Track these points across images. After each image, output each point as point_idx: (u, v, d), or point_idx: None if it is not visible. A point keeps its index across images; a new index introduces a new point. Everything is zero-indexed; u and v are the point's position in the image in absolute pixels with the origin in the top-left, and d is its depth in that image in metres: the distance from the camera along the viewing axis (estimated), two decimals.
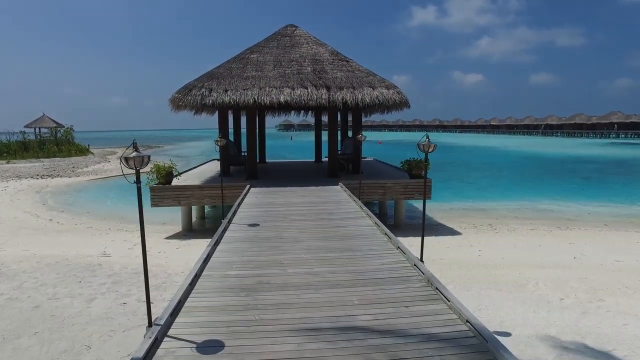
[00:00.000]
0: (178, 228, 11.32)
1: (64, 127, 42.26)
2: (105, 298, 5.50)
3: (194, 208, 12.25)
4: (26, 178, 22.13)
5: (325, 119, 16.14)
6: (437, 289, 3.92)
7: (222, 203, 9.96)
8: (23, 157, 33.51)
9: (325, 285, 4.14)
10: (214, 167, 14.69)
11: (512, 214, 14.05)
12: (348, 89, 11.12)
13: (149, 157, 3.01)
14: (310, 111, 17.96)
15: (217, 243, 5.54)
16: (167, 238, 10.38)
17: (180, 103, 11.24)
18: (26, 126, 42.31)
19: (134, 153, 2.94)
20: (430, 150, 4.46)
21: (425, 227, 11.65)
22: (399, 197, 11.27)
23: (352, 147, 13.53)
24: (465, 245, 9.59)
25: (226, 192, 10.36)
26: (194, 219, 12.39)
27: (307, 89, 10.97)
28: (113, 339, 4.35)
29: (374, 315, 3.47)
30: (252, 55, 12.33)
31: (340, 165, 13.28)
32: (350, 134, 15.51)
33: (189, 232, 11.13)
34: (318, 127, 18.32)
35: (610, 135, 73.98)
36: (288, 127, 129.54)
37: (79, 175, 23.60)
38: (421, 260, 4.85)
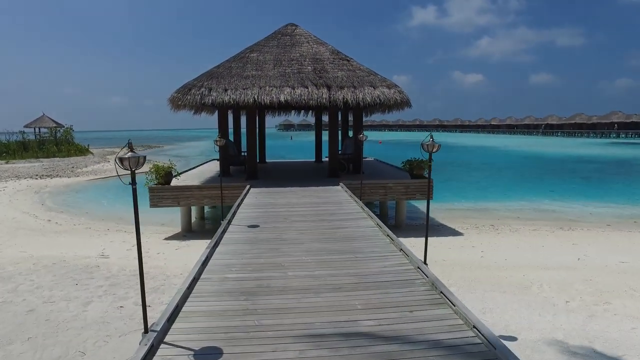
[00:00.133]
0: (177, 229, 11.22)
1: (63, 127, 42.16)
2: (102, 301, 5.40)
3: (193, 208, 12.15)
4: (25, 178, 22.03)
5: (325, 118, 16.05)
6: (442, 292, 3.81)
7: (222, 204, 9.86)
8: (22, 157, 33.39)
9: (327, 289, 4.03)
10: (214, 167, 14.58)
11: (514, 214, 13.95)
12: (349, 88, 11.01)
13: (144, 157, 2.90)
14: (310, 111, 17.85)
15: (216, 245, 5.43)
16: (166, 239, 10.28)
17: (180, 102, 11.14)
18: (26, 126, 42.20)
19: (129, 153, 2.83)
20: (434, 150, 4.36)
21: (429, 228, 11.63)
22: (401, 198, 11.17)
23: (353, 147, 13.43)
24: (468, 246, 9.48)
25: (226, 192, 10.26)
26: (193, 219, 12.29)
27: (307, 88, 10.86)
28: (108, 344, 4.24)
29: (377, 321, 3.37)
30: (252, 55, 12.22)
31: (341, 165, 13.18)
32: (350, 133, 15.41)
33: (188, 232, 11.03)
34: (318, 127, 18.21)
35: (611, 135, 73.88)
36: (288, 127, 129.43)
37: (78, 176, 23.49)
38: (425, 262, 4.75)
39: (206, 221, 13.12)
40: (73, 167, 27.53)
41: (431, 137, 4.37)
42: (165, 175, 10.46)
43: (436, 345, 2.98)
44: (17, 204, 15.14)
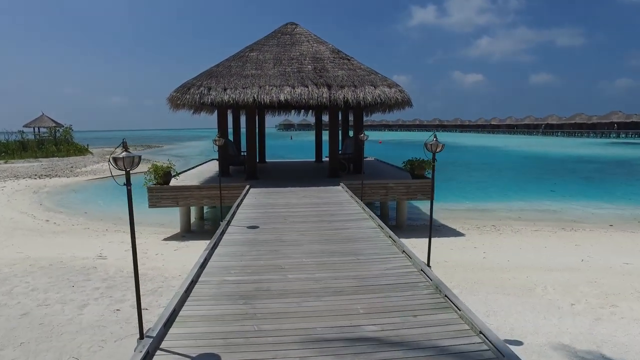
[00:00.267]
0: (176, 229, 11.12)
1: (63, 126, 42.05)
2: (98, 304, 5.29)
3: (192, 209, 12.05)
4: (24, 178, 21.92)
5: (325, 118, 15.95)
6: (446, 296, 3.71)
7: (221, 204, 9.76)
8: (21, 157, 33.29)
9: (328, 292, 3.93)
10: (213, 167, 14.48)
11: (515, 214, 13.86)
12: (349, 87, 10.91)
13: (139, 157, 2.79)
14: (310, 110, 17.75)
15: (214, 246, 5.33)
16: (165, 239, 10.18)
17: (179, 102, 11.04)
18: (25, 126, 42.11)
19: (124, 153, 2.73)
20: (438, 150, 4.25)
21: (427, 228, 11.52)
22: (402, 198, 11.07)
23: (353, 147, 13.33)
24: (469, 247, 9.39)
25: (225, 192, 10.16)
26: (192, 219, 12.19)
27: (307, 87, 10.75)
28: (104, 349, 4.14)
29: (380, 326, 3.26)
30: (251, 54, 12.12)
31: (341, 165, 13.08)
32: (351, 133, 15.30)
33: (187, 233, 10.93)
34: (318, 127, 18.11)
35: (611, 135, 73.81)
36: (288, 126, 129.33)
37: (77, 175, 23.39)
38: (428, 265, 4.65)
39: (205, 221, 13.02)
40: (72, 167, 27.42)
41: (435, 136, 4.27)
42: (164, 175, 10.36)
43: (442, 352, 2.87)
44: (15, 204, 15.04)
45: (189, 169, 14.58)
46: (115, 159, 2.71)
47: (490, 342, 2.92)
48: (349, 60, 12.12)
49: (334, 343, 3.02)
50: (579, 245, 9.52)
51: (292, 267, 4.65)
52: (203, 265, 4.60)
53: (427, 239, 9.76)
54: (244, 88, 10.70)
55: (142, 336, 3.02)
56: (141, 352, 2.77)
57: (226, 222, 6.61)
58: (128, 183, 2.84)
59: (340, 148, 14.17)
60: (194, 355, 2.84)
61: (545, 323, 4.91)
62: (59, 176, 23.01)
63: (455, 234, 10.79)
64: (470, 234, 10.78)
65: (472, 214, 13.82)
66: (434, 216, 12.88)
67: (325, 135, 13.61)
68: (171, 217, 11.88)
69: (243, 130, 13.17)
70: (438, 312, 3.50)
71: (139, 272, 6.67)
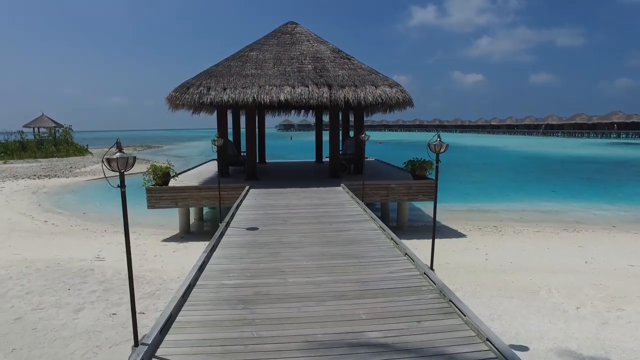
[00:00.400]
0: (175, 230, 11.02)
1: (63, 127, 41.94)
2: (94, 308, 5.18)
3: (192, 209, 11.95)
4: (23, 178, 21.82)
5: (326, 118, 15.85)
6: (450, 301, 3.61)
7: (220, 205, 9.65)
8: (20, 157, 33.18)
9: (329, 297, 3.83)
10: (213, 168, 14.37)
11: (517, 215, 13.76)
12: (350, 87, 10.81)
13: (134, 158, 2.70)
14: (310, 110, 17.65)
15: (213, 249, 5.23)
16: (164, 241, 10.08)
17: (178, 102, 10.93)
18: (25, 126, 41.97)
19: (118, 154, 2.62)
20: (442, 150, 4.15)
21: (429, 229, 11.36)
22: (403, 199, 10.97)
23: (354, 147, 13.23)
24: (471, 249, 9.29)
25: (225, 193, 10.05)
26: (192, 220, 12.09)
27: (308, 87, 10.65)
28: (98, 356, 4.03)
29: (383, 332, 3.16)
30: (251, 53, 12.02)
31: (342, 165, 12.98)
32: (351, 133, 15.20)
33: (186, 234, 10.83)
34: (319, 127, 18.01)
35: (611, 136, 73.69)
36: (288, 126, 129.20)
37: (76, 176, 23.28)
38: (431, 268, 4.54)
39: (205, 222, 12.91)
40: (71, 167, 27.31)
41: (438, 137, 4.17)
42: (163, 176, 10.26)
43: None
44: (13, 205, 14.94)
45: (189, 170, 14.48)
46: (108, 160, 2.61)
47: (497, 349, 2.82)
48: (349, 59, 12.02)
49: (335, 350, 2.92)
50: (582, 247, 9.42)
51: (292, 270, 4.55)
52: (201, 269, 4.50)
53: (428, 240, 9.65)
54: (243, 88, 10.60)
55: (136, 343, 2.92)
56: None
57: (225, 223, 6.51)
58: (122, 185, 2.74)
59: (340, 148, 14.07)
60: None
61: (551, 327, 4.81)
62: (58, 176, 22.90)
63: (457, 235, 10.69)
64: (471, 235, 10.68)
65: (473, 215, 13.72)
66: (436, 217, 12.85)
67: (326, 136, 13.51)
68: (170, 218, 11.78)
69: (243, 130, 13.07)
70: (443, 317, 3.40)
71: (137, 274, 6.58)
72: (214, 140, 8.58)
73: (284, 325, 3.29)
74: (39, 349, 4.06)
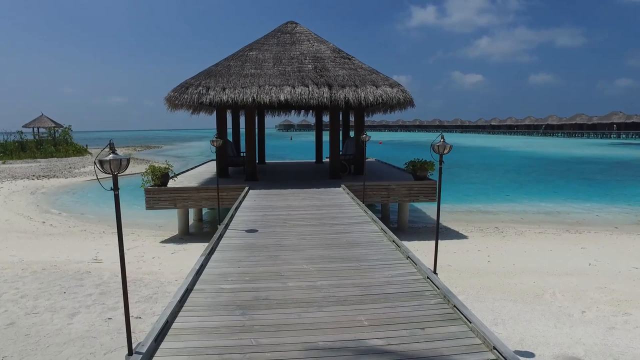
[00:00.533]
0: (175, 231, 10.92)
1: (62, 127, 41.83)
2: (89, 312, 5.07)
3: (191, 210, 11.85)
4: (21, 179, 21.71)
5: (326, 118, 15.75)
6: (455, 306, 3.50)
7: (219, 207, 9.55)
8: (19, 158, 33.08)
9: (330, 302, 3.72)
10: (212, 168, 14.27)
11: (518, 216, 13.67)
12: (350, 87, 10.71)
13: (128, 160, 2.59)
14: (311, 110, 17.55)
15: (211, 252, 5.12)
16: (162, 242, 9.98)
17: (177, 102, 10.84)
18: (24, 126, 41.86)
19: (111, 155, 2.52)
20: (445, 151, 4.05)
21: (430, 230, 11.33)
22: (404, 200, 10.87)
23: (354, 148, 13.13)
24: (473, 250, 9.19)
25: (224, 194, 9.96)
26: (191, 221, 12.00)
27: (308, 87, 10.55)
28: None
29: (386, 340, 3.05)
30: (251, 53, 11.91)
31: (342, 166, 12.88)
32: (351, 133, 15.11)
33: (185, 235, 10.73)
34: (319, 127, 17.91)
35: (611, 136, 73.61)
36: (288, 127, 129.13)
37: (75, 176, 23.17)
38: (434, 272, 4.44)
39: (204, 224, 12.81)
40: (70, 168, 27.21)
41: (442, 137, 4.06)
42: (161, 177, 10.16)
43: None
44: (11, 205, 14.84)
45: (188, 170, 14.38)
46: (101, 162, 2.50)
47: (505, 359, 2.71)
48: (350, 59, 11.92)
49: (337, 359, 2.82)
50: (584, 248, 9.32)
51: (292, 274, 4.45)
52: (199, 272, 4.39)
53: (430, 242, 9.59)
54: (243, 88, 10.50)
55: (130, 352, 2.81)
56: None
57: (224, 225, 6.41)
58: (115, 188, 2.64)
59: (340, 149, 13.97)
60: None
61: (557, 332, 4.70)
62: (57, 177, 22.80)
63: (458, 236, 10.59)
64: (473, 237, 10.58)
65: (474, 216, 13.63)
66: (435, 217, 12.75)
67: (326, 136, 13.41)
68: (169, 219, 11.69)
69: (243, 130, 12.98)
70: (447, 324, 3.30)
71: (135, 277, 6.48)
72: (212, 141, 8.49)
73: (283, 332, 3.19)
74: (31, 356, 3.94)
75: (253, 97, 10.32)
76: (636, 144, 56.45)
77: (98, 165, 2.51)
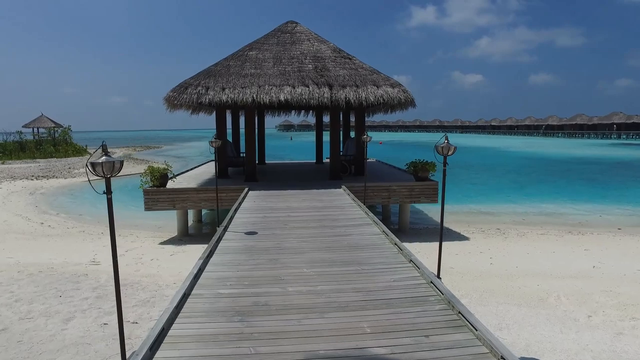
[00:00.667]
0: (174, 232, 10.82)
1: (62, 127, 41.73)
2: (85, 317, 4.96)
3: (190, 211, 11.75)
4: (20, 179, 21.62)
5: (326, 118, 15.64)
6: (460, 313, 3.40)
7: (217, 208, 9.44)
8: (19, 158, 32.98)
9: (331, 308, 3.62)
10: (212, 169, 14.17)
11: (519, 217, 13.57)
12: (351, 87, 10.61)
13: (121, 162, 2.49)
14: (311, 111, 17.45)
15: (210, 255, 5.02)
16: (161, 243, 9.88)
17: (176, 102, 10.73)
18: (24, 126, 41.77)
19: (103, 157, 2.42)
20: (449, 153, 3.95)
21: (431, 232, 11.23)
22: (405, 201, 10.76)
23: (355, 148, 13.02)
24: (475, 252, 9.08)
25: (223, 195, 9.86)
26: (190, 222, 11.90)
27: (308, 87, 10.45)
28: None
29: (389, 348, 2.95)
30: (250, 52, 11.82)
31: (343, 167, 12.78)
32: (352, 134, 15.01)
33: (185, 236, 10.63)
34: (319, 127, 17.82)
35: (612, 136, 73.48)
36: (288, 127, 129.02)
37: (74, 177, 23.07)
38: (438, 276, 4.34)
39: (203, 225, 12.70)
40: (70, 168, 27.10)
41: (446, 138, 3.96)
42: (160, 177, 10.06)
43: None
44: (9, 206, 14.74)
45: (188, 171, 14.27)
46: (93, 165, 2.40)
47: None
48: (350, 59, 11.82)
49: None
50: (588, 250, 9.22)
51: (292, 278, 4.34)
52: (197, 276, 4.29)
53: (431, 243, 9.50)
54: (242, 88, 10.40)
55: None
56: None
57: (223, 227, 6.30)
58: (108, 191, 2.53)
59: (341, 149, 13.88)
60: None
61: (563, 338, 4.60)
62: (56, 177, 22.70)
63: (460, 238, 10.49)
64: (474, 238, 10.48)
65: (475, 217, 13.53)
66: (437, 219, 12.67)
67: (326, 136, 13.31)
68: (169, 220, 11.59)
69: (242, 130, 12.88)
70: (452, 331, 3.19)
71: (132, 280, 6.37)
72: (211, 142, 8.39)
73: (283, 340, 3.09)
74: None
75: (253, 97, 10.22)
76: (637, 145, 56.33)
77: (90, 168, 2.40)
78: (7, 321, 4.77)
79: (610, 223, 12.65)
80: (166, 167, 10.37)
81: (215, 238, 5.64)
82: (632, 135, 69.56)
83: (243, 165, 12.64)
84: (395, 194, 10.54)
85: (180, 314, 3.50)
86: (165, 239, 10.28)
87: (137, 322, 4.80)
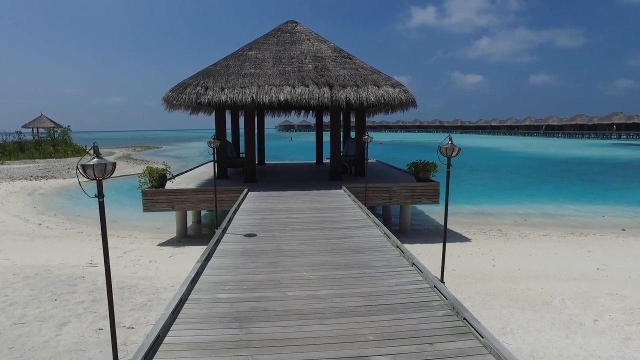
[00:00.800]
0: (173, 233, 10.71)
1: (62, 127, 41.62)
2: (80, 321, 4.85)
3: (189, 212, 11.64)
4: (19, 179, 21.52)
5: (326, 119, 15.54)
6: (465, 319, 3.29)
7: (216, 210, 9.33)
8: (18, 158, 32.87)
9: (332, 314, 3.51)
10: (211, 170, 14.05)
11: (521, 218, 13.46)
12: (352, 87, 10.51)
13: (113, 164, 2.39)
14: (311, 111, 17.34)
15: (208, 258, 4.91)
16: (160, 245, 9.79)
17: (175, 102, 10.63)
18: (24, 126, 41.65)
19: (95, 160, 2.31)
20: (453, 154, 3.84)
21: (432, 233, 11.12)
22: (406, 202, 10.66)
23: (355, 149, 12.92)
24: (477, 254, 8.98)
25: (223, 196, 9.76)
26: (189, 223, 11.79)
27: (308, 87, 10.35)
28: None
29: (392, 356, 2.85)
30: (250, 52, 11.71)
31: (343, 167, 12.68)
32: (352, 134, 14.90)
33: (184, 238, 10.52)
34: (319, 128, 17.71)
35: (612, 137, 73.36)
36: (288, 127, 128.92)
37: (73, 177, 22.97)
38: (441, 280, 4.23)
39: (203, 226, 12.59)
40: (69, 168, 27.00)
41: (450, 139, 3.86)
42: (159, 178, 9.96)
43: None
44: (7, 207, 14.63)
45: (187, 171, 14.17)
46: (84, 167, 2.29)
47: None
48: (351, 59, 11.72)
49: None
50: (591, 252, 9.12)
51: (292, 282, 4.24)
52: (194, 281, 4.18)
53: (433, 245, 9.38)
54: (242, 88, 10.30)
55: None
56: None
57: (221, 229, 6.20)
58: (100, 194, 2.43)
59: (341, 150, 13.77)
60: None
61: (569, 343, 4.49)
62: (55, 177, 22.61)
63: (461, 239, 10.39)
64: (476, 239, 10.38)
65: (476, 218, 13.43)
66: (438, 220, 12.59)
67: (326, 137, 13.21)
68: (168, 221, 11.49)
69: (242, 131, 12.78)
70: (457, 338, 3.09)
71: (129, 282, 6.26)
72: (209, 142, 8.29)
73: (282, 348, 2.98)
74: None
75: (252, 97, 10.12)
76: (637, 145, 56.22)
77: (81, 170, 2.30)
78: (0, 327, 4.66)
79: (612, 224, 12.54)
80: (165, 167, 10.28)
81: (213, 240, 5.54)
82: (632, 136, 69.45)
83: (242, 166, 12.54)
84: (396, 195, 10.44)
85: (176, 320, 3.40)
86: (164, 240, 10.18)
87: (133, 327, 4.69)
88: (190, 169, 14.85)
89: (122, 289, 6.03)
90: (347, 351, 2.93)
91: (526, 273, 7.46)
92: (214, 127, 12.15)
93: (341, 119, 14.85)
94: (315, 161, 17.59)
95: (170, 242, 10.05)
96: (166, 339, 3.08)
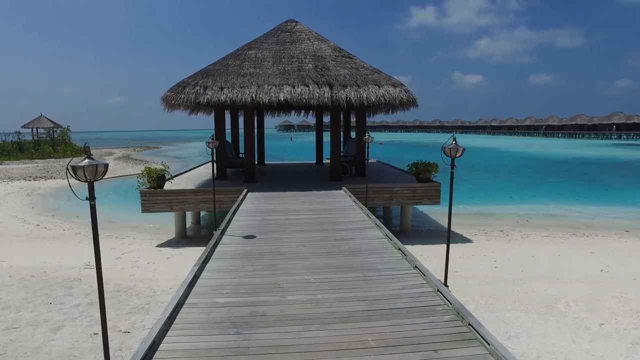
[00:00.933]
0: (172, 234, 10.61)
1: (61, 127, 41.49)
2: (75, 325, 4.75)
3: (188, 213, 11.54)
4: (18, 180, 21.41)
5: (326, 119, 15.44)
6: (470, 325, 3.20)
7: (215, 211, 9.23)
8: (17, 158, 32.75)
9: (333, 319, 3.42)
10: (211, 170, 13.96)
11: (522, 219, 13.36)
12: (352, 87, 10.40)
13: (105, 165, 2.29)
14: (311, 111, 17.24)
15: (206, 260, 4.81)
16: (158, 246, 9.69)
17: (173, 102, 10.52)
18: (23, 126, 41.52)
19: (86, 161, 2.21)
20: (458, 154, 3.75)
21: (433, 234, 11.02)
22: (407, 203, 10.56)
23: (355, 149, 12.82)
24: (479, 255, 8.88)
25: (222, 196, 9.66)
26: (188, 224, 11.70)
27: (308, 86, 10.25)
28: None
29: None
30: (250, 52, 11.61)
31: (343, 167, 12.58)
32: (353, 134, 14.80)
33: (182, 239, 10.42)
34: (319, 128, 17.61)
35: (612, 137, 73.25)
36: (288, 127, 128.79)
37: (71, 178, 22.86)
38: (445, 284, 4.13)
39: (202, 227, 12.49)
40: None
41: (454, 139, 3.76)
42: (157, 179, 9.86)
43: None
44: (6, 207, 14.54)
45: (186, 172, 14.06)
46: (74, 168, 2.19)
47: None
48: (351, 58, 11.62)
49: None
50: (594, 253, 9.02)
51: (291, 285, 4.14)
52: (192, 284, 4.08)
53: (434, 246, 9.28)
54: (241, 87, 10.20)
55: None
56: None
57: (220, 231, 6.10)
58: (91, 197, 2.33)
59: (341, 150, 13.67)
60: None
61: (576, 348, 4.39)
62: (54, 178, 22.48)
63: (463, 240, 10.29)
64: (478, 240, 10.28)
65: (477, 219, 13.32)
66: (440, 221, 12.47)
67: (326, 137, 13.11)
68: (166, 222, 11.39)
69: (242, 131, 12.68)
70: (462, 345, 2.99)
71: (127, 285, 6.16)
72: (208, 143, 8.19)
73: (281, 355, 2.88)
74: None
75: (252, 97, 10.02)
76: (637, 145, 56.12)
77: (71, 172, 2.20)
78: None
79: (615, 225, 12.44)
80: (163, 168, 10.18)
81: (212, 242, 5.44)
82: (633, 136, 69.33)
83: (242, 166, 12.44)
84: (397, 196, 10.34)
85: (172, 325, 3.30)
86: (162, 241, 10.08)
87: (129, 332, 4.59)
88: (190, 170, 14.75)
89: (119, 292, 5.93)
90: (348, 358, 2.84)
91: (529, 275, 7.37)
92: (214, 127, 12.06)
93: (341, 119, 14.75)
94: (315, 161, 17.49)
95: (169, 243, 9.96)
96: (162, 346, 2.99)
